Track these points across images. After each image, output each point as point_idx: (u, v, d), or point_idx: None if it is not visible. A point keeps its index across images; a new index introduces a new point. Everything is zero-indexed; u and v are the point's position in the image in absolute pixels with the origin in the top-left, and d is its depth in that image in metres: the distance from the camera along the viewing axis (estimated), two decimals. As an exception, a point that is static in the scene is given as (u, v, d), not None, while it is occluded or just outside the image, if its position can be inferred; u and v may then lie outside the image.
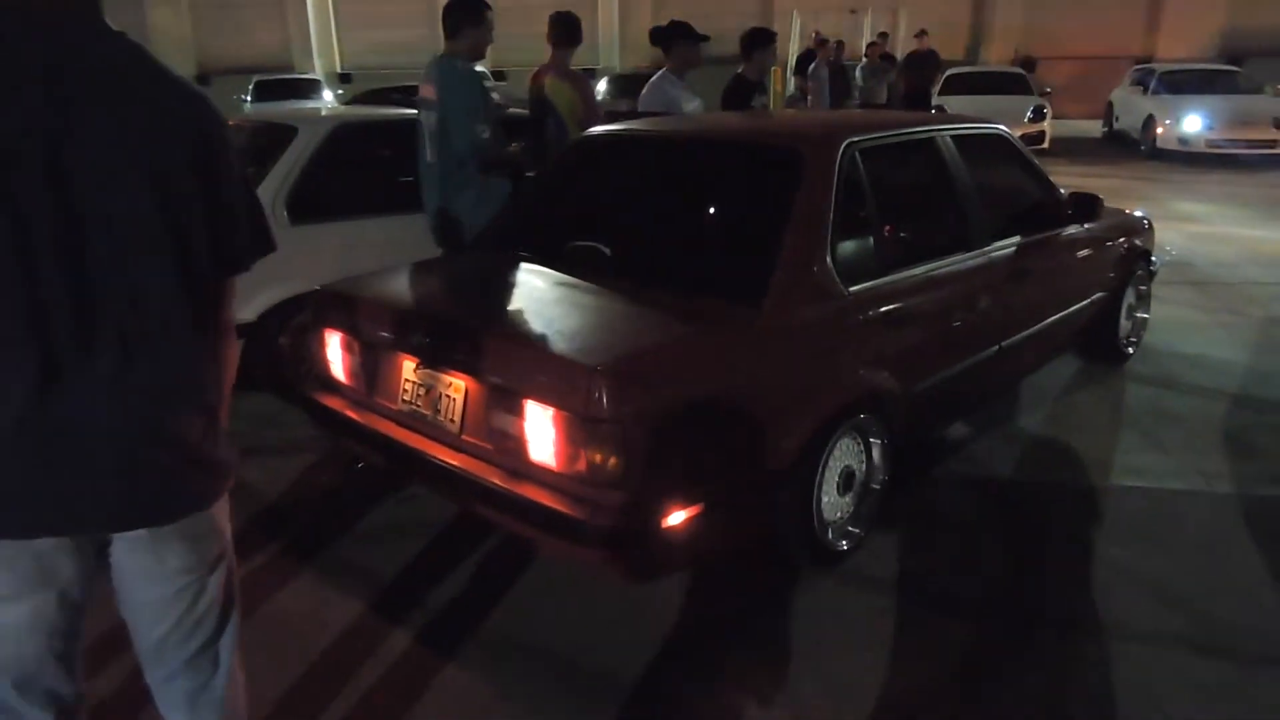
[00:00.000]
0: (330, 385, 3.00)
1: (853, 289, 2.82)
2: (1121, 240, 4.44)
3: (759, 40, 5.41)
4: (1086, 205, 3.91)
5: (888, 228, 3.12)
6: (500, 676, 2.39)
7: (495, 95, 4.65)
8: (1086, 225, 4.07)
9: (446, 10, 3.76)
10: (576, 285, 2.82)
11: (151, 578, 1.49)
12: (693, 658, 2.47)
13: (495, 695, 2.33)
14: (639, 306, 2.64)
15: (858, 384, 2.79)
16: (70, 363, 1.31)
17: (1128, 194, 10.07)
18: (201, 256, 1.40)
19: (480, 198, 3.71)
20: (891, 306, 2.94)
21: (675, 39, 5.06)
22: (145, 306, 1.35)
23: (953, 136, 3.47)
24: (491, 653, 2.50)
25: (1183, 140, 12.21)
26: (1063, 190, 4.02)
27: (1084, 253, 4.09)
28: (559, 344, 2.39)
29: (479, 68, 3.99)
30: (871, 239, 3.03)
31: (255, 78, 17.18)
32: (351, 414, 2.89)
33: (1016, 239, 3.59)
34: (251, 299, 3.97)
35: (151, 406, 1.38)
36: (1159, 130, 12.56)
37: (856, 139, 3.01)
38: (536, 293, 2.88)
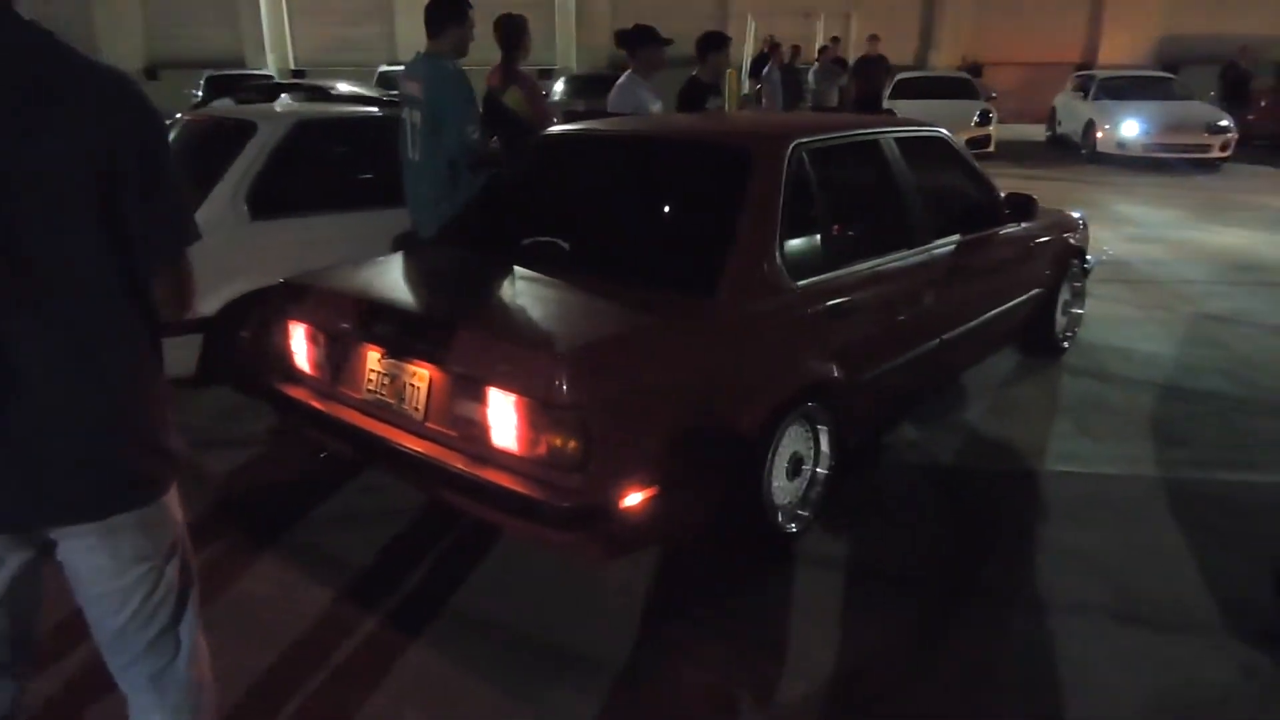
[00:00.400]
0: (294, 376, 3.06)
1: (800, 283, 2.95)
2: (1057, 239, 4.64)
3: (713, 43, 5.55)
4: (1022, 205, 4.11)
5: (834, 225, 3.27)
6: (467, 655, 2.49)
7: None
8: (1024, 224, 4.27)
9: (429, 8, 3.80)
10: (536, 279, 2.92)
11: (108, 571, 1.51)
12: (654, 637, 2.59)
13: (461, 672, 2.42)
14: (596, 298, 2.75)
15: (805, 373, 2.93)
16: (23, 360, 1.33)
17: (1068, 196, 10.39)
18: (145, 243, 1.42)
19: (435, 192, 3.80)
20: (837, 300, 3.08)
21: (641, 42, 5.18)
22: (95, 302, 1.38)
23: (896, 139, 3.63)
24: (459, 633, 2.59)
25: (1121, 144, 12.64)
26: (1001, 191, 4.21)
27: (1021, 250, 4.28)
28: (521, 334, 2.50)
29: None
30: (819, 235, 3.17)
31: (206, 73, 16.92)
32: (316, 404, 2.95)
33: (956, 237, 3.76)
34: (212, 294, 4.00)
35: (106, 399, 1.41)
36: (1099, 135, 12.99)
37: (804, 140, 3.15)
38: (498, 286, 2.96)
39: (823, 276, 3.07)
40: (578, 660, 2.48)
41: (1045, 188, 10.88)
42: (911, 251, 3.50)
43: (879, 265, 3.32)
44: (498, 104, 4.46)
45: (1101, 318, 5.60)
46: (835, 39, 14.07)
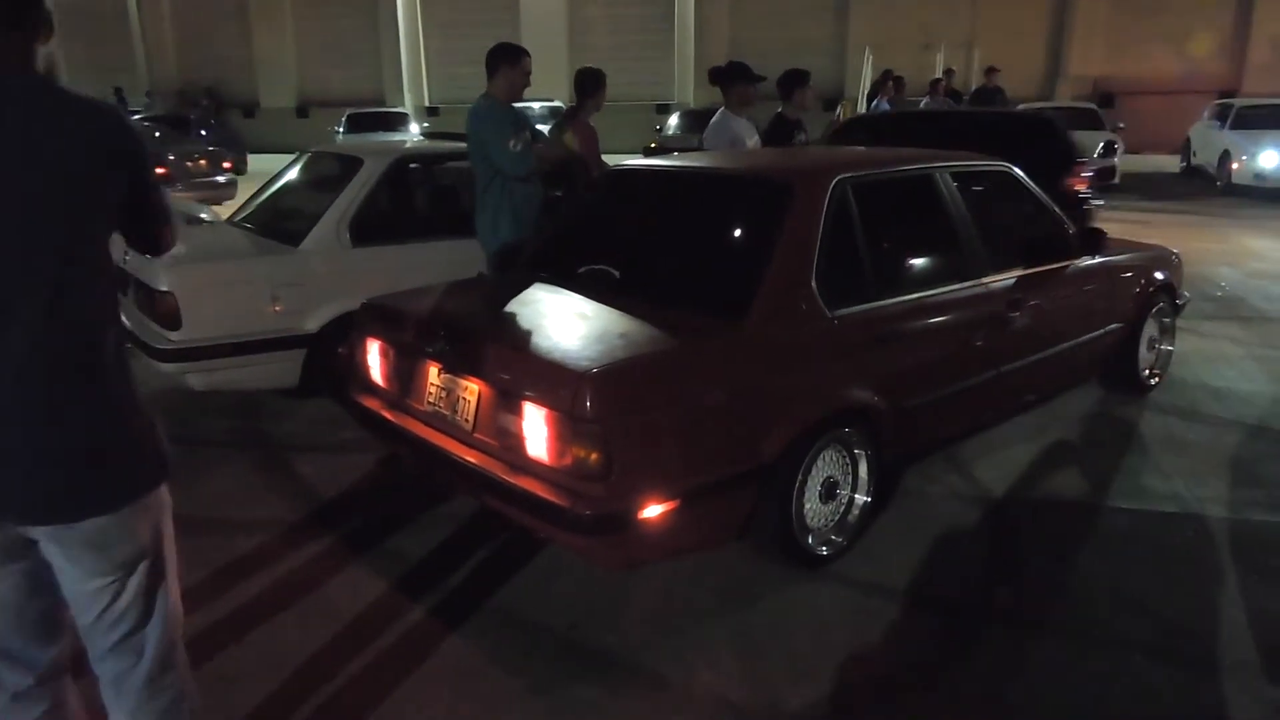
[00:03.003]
0: (370, 388, 3.38)
1: (839, 312, 3.06)
2: (1140, 273, 4.54)
3: (796, 81, 5.72)
4: (1091, 239, 4.06)
5: (879, 257, 3.35)
6: (496, 646, 2.70)
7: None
8: (1100, 258, 4.21)
9: (488, 53, 4.20)
10: (585, 303, 3.14)
11: (70, 575, 1.61)
12: (675, 641, 2.72)
13: (489, 661, 2.63)
14: (635, 321, 2.93)
15: (838, 399, 3.03)
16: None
17: (1196, 229, 9.95)
18: (96, 246, 1.55)
19: (495, 222, 4.13)
20: (878, 330, 3.17)
21: (732, 79, 5.42)
22: (55, 318, 1.48)
23: (953, 173, 3.68)
24: (493, 626, 2.80)
25: (1259, 176, 11.97)
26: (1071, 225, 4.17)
27: (1094, 285, 4.21)
28: (554, 352, 2.71)
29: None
30: (862, 267, 3.25)
31: (347, 110, 18.19)
32: (387, 414, 3.25)
33: (1018, 270, 3.77)
34: (315, 312, 4.42)
35: (57, 415, 1.50)
36: (1234, 166, 12.33)
37: (849, 175, 3.27)
38: (548, 309, 3.20)
39: (863, 306, 3.16)
40: (598, 658, 2.65)
41: (1169, 221, 10.45)
42: (964, 284, 3.54)
43: (925, 297, 3.39)
44: (554, 142, 4.78)
45: (1203, 355, 5.41)
46: (949, 71, 13.87)
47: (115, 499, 1.59)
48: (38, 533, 1.57)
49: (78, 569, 1.61)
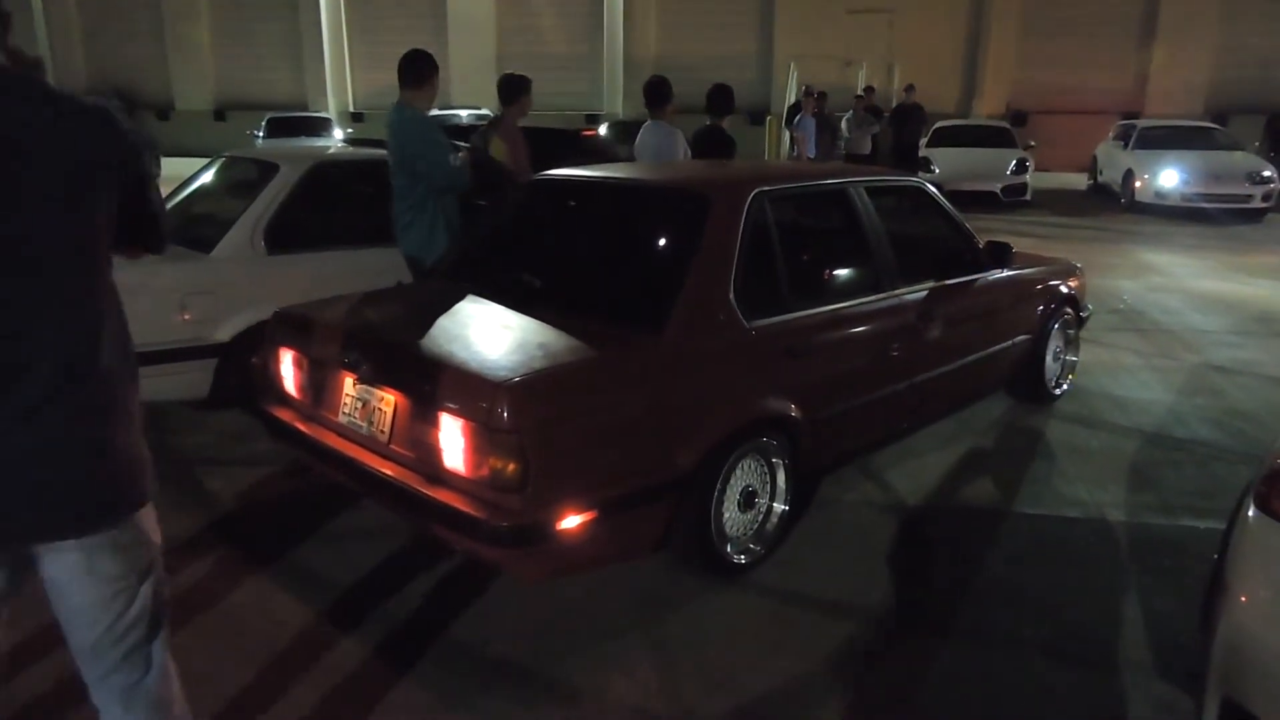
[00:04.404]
0: (283, 399, 3.31)
1: (756, 323, 3.11)
2: (1046, 286, 4.71)
3: (732, 95, 5.86)
4: (999, 252, 4.20)
5: (796, 269, 3.41)
6: (408, 661, 2.65)
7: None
8: (1007, 271, 4.36)
9: (411, 63, 4.14)
10: (504, 313, 3.13)
11: (84, 585, 1.57)
12: (593, 653, 2.72)
13: (398, 676, 2.58)
14: (554, 331, 2.93)
15: (755, 409, 3.07)
16: (12, 378, 1.41)
17: (1101, 244, 10.39)
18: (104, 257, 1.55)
19: (431, 234, 4.09)
20: (794, 341, 3.23)
21: (670, 95, 5.51)
22: (78, 323, 1.48)
23: (867, 188, 3.78)
24: (405, 641, 2.76)
25: (1159, 194, 12.55)
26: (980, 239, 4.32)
27: (1001, 297, 4.37)
28: (471, 363, 2.69)
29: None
30: (778, 279, 3.31)
31: (268, 114, 17.76)
32: (300, 426, 3.18)
33: (929, 283, 3.88)
34: (227, 321, 4.30)
35: (87, 418, 1.48)
36: (1137, 184, 12.91)
37: (766, 188, 3.33)
38: (467, 319, 3.18)
39: (780, 318, 3.22)
40: (514, 671, 2.63)
41: (1076, 236, 10.89)
42: (878, 296, 3.63)
43: (841, 309, 3.46)
44: (480, 150, 4.76)
45: (1104, 365, 5.64)
46: (870, 88, 14.25)
47: (135, 503, 1.59)
48: (58, 547, 1.53)
49: (92, 577, 1.57)
